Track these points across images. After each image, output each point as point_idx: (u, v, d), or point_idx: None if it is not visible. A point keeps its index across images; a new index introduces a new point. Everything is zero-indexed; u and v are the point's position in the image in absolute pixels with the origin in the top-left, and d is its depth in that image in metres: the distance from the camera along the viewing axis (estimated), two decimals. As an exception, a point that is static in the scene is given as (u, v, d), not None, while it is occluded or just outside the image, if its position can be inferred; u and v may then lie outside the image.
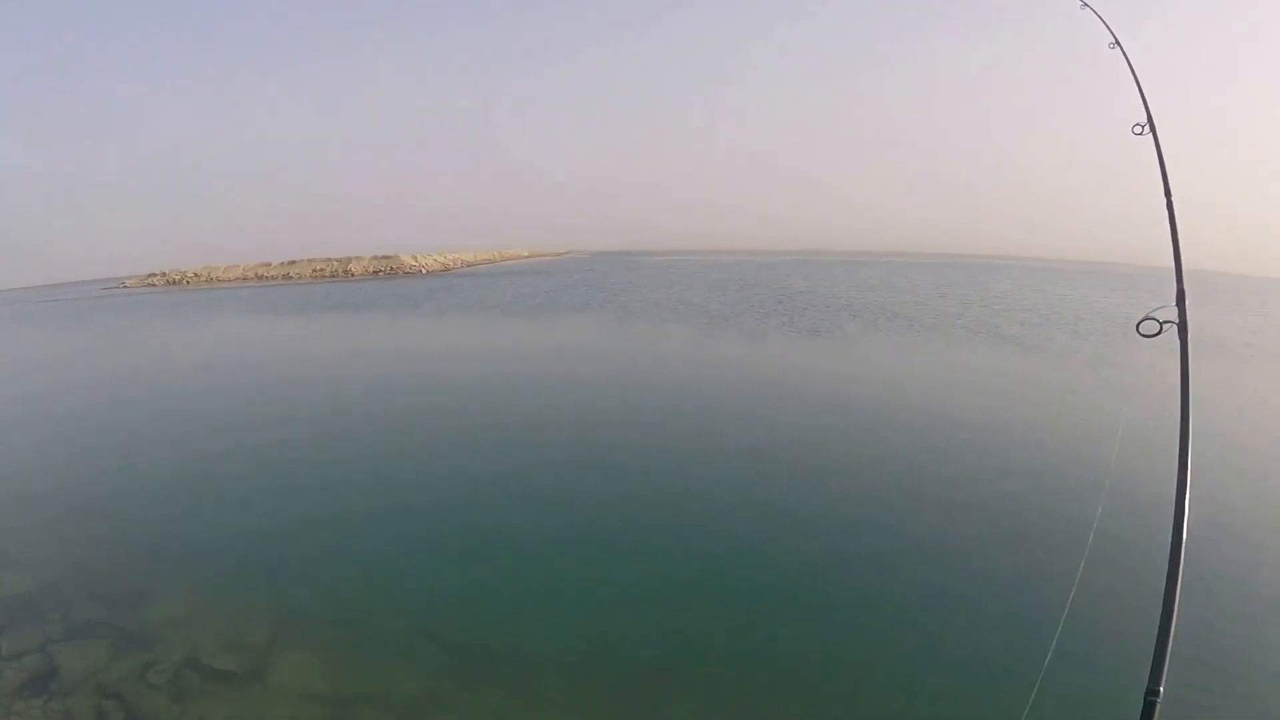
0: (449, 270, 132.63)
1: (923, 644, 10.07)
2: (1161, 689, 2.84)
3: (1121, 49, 6.66)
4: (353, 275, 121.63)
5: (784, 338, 38.52)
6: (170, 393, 27.79)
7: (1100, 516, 6.22)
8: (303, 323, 53.37)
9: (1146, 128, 5.79)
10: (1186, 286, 4.64)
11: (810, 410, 22.97)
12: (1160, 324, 4.24)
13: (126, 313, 68.43)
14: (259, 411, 23.83)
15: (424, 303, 64.70)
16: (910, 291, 72.28)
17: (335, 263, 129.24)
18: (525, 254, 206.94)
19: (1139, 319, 4.29)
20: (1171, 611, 3.02)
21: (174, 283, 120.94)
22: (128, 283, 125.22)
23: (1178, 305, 4.45)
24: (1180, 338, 4.30)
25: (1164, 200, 5.47)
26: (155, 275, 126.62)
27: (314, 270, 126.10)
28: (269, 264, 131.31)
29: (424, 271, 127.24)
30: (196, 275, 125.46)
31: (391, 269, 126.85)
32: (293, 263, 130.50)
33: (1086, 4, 7.34)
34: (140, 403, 26.18)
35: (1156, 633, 2.98)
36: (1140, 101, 6.02)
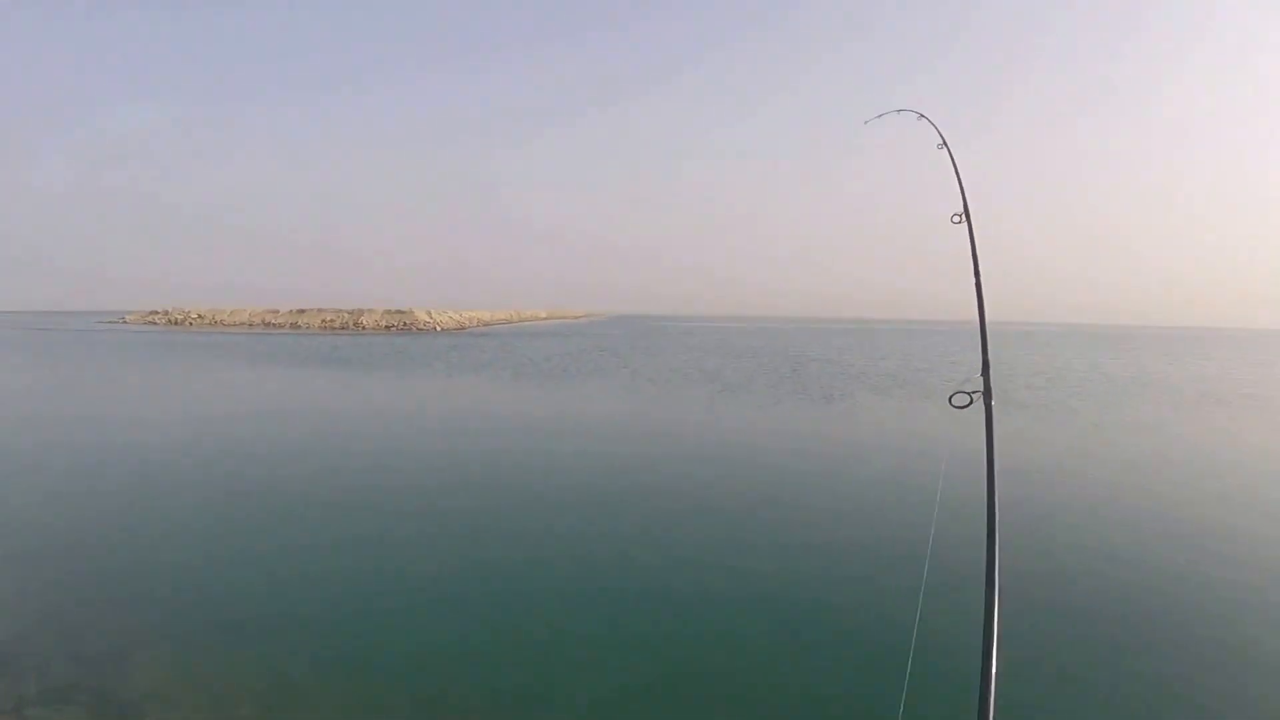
0: (464, 329, 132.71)
1: None
2: None
3: (949, 150, 7.59)
4: (364, 329, 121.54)
5: (795, 406, 39.39)
6: (164, 444, 26.97)
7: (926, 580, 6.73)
8: (308, 378, 53.05)
9: (963, 217, 6.53)
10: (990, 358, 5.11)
11: (816, 477, 23.31)
12: (970, 395, 4.74)
13: (126, 352, 68.36)
14: (255, 469, 23.14)
15: (433, 362, 64.64)
16: (920, 357, 74.15)
17: (346, 314, 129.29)
18: (543, 315, 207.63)
19: (950, 393, 4.85)
20: (991, 658, 3.31)
21: (176, 323, 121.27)
22: (128, 318, 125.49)
23: (983, 375, 4.93)
24: (985, 404, 4.74)
25: (974, 281, 6.25)
26: (157, 313, 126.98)
27: (323, 321, 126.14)
28: (277, 310, 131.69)
29: (438, 329, 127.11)
30: (200, 317, 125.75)
31: (405, 324, 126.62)
32: (301, 311, 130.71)
33: (923, 115, 8.44)
34: (131, 451, 25.47)
35: (979, 676, 3.30)
36: (960, 195, 6.75)
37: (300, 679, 10.47)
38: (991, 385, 4.82)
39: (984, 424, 4.67)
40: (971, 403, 4.70)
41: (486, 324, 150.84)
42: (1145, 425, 35.19)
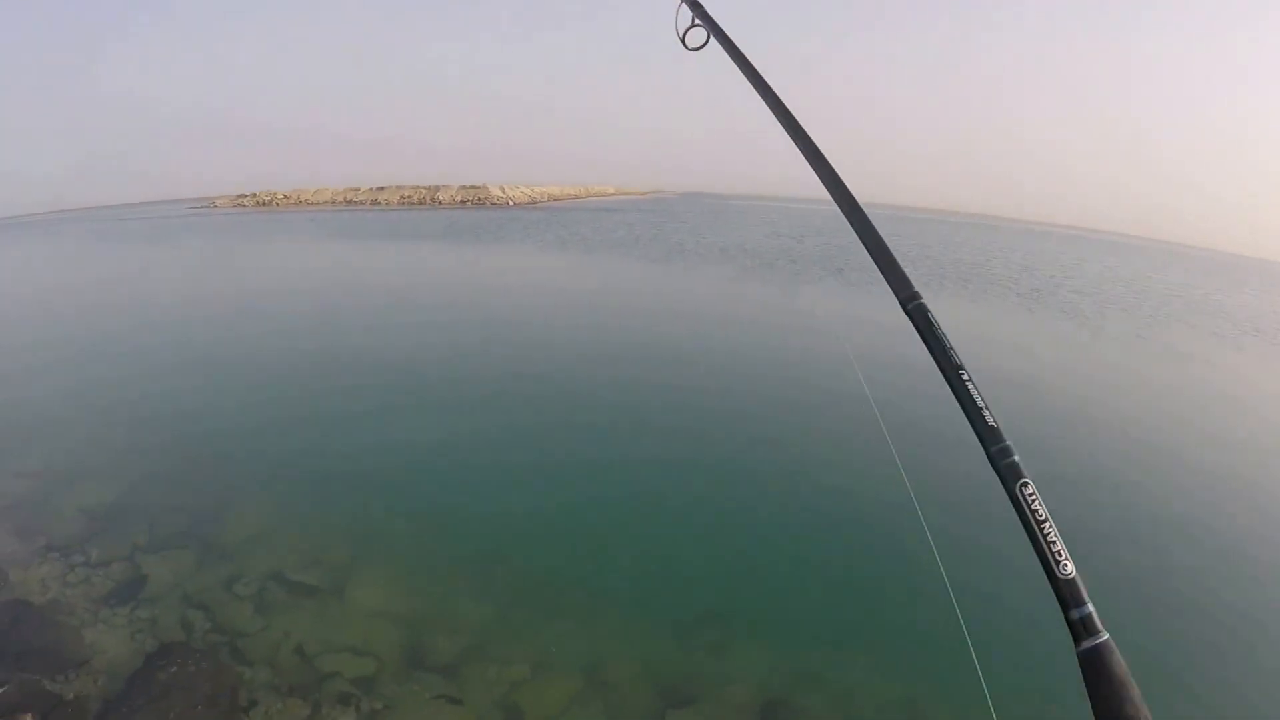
0: (535, 204, 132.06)
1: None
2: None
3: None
4: (440, 203, 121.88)
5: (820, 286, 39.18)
6: (253, 311, 28.45)
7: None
8: (383, 249, 53.84)
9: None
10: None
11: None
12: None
13: (215, 232, 69.66)
14: (339, 334, 24.27)
15: (482, 234, 65.12)
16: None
17: (423, 190, 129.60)
18: (611, 191, 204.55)
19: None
20: None
21: (263, 204, 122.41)
22: (218, 203, 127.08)
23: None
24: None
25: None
26: (245, 196, 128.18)
27: (402, 197, 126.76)
28: (358, 189, 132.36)
29: (511, 203, 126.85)
30: (286, 197, 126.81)
31: (479, 199, 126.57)
32: (381, 189, 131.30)
33: None
34: (223, 320, 26.76)
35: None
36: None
37: (380, 526, 11.58)
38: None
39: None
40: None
41: (556, 198, 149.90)
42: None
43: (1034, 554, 1.73)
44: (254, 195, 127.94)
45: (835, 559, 11.26)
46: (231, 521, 11.41)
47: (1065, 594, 1.72)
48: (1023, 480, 1.86)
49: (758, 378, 20.02)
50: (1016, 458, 1.89)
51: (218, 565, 10.19)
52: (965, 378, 2.03)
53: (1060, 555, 1.73)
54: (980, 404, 1.98)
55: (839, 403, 17.20)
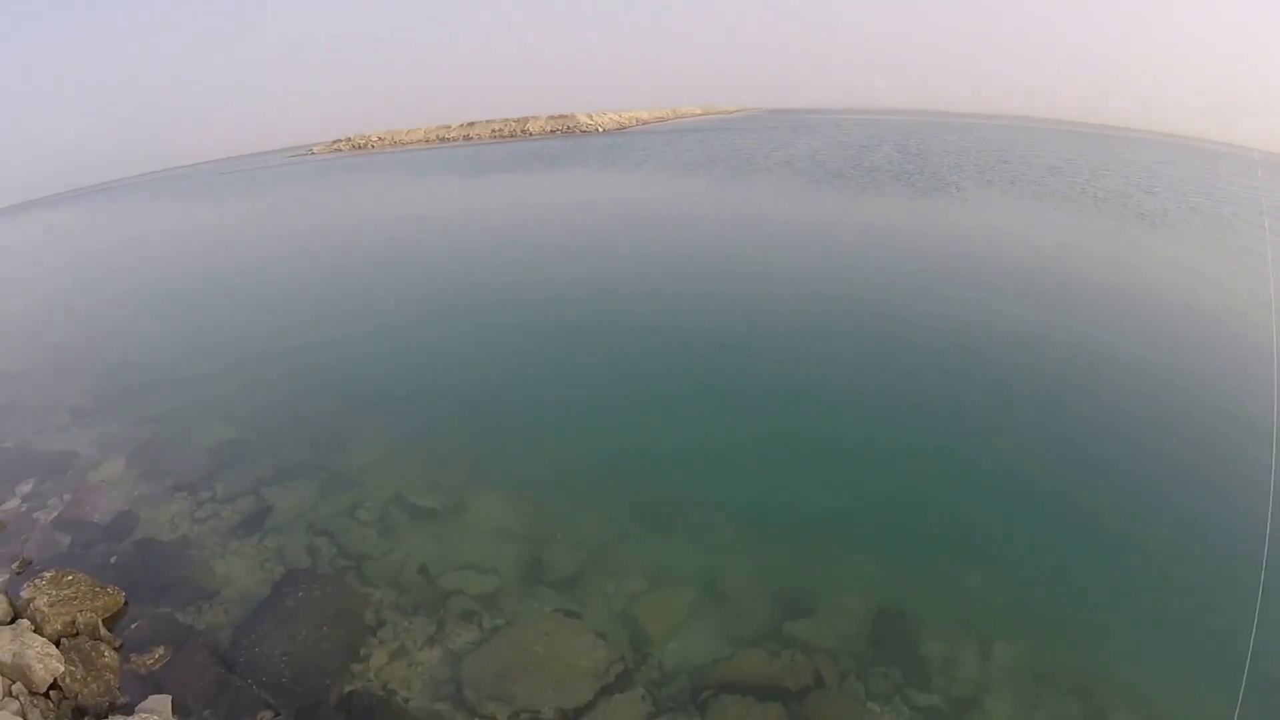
0: (624, 129, 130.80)
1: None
2: None
3: None
4: (530, 134, 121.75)
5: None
6: (364, 252, 28.56)
7: None
8: (483, 185, 53.84)
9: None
10: None
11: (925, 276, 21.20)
12: None
13: (323, 177, 70.71)
14: (449, 271, 24.21)
15: (566, 161, 64.41)
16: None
17: (513, 123, 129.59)
18: (698, 111, 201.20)
19: None
20: None
21: (359, 147, 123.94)
22: (315, 149, 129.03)
23: None
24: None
25: None
26: (341, 141, 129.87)
27: (493, 131, 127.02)
28: (449, 126, 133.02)
29: (599, 130, 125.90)
30: (381, 139, 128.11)
31: (568, 128, 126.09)
32: (472, 124, 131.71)
33: None
34: (336, 260, 27.00)
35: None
36: None
37: (495, 448, 11.63)
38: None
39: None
40: None
41: (645, 123, 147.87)
42: None
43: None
44: (349, 140, 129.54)
45: (947, 473, 10.89)
46: (351, 451, 11.58)
47: None
48: None
49: (858, 297, 19.13)
50: None
51: (340, 493, 10.36)
52: None
53: None
54: None
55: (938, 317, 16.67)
